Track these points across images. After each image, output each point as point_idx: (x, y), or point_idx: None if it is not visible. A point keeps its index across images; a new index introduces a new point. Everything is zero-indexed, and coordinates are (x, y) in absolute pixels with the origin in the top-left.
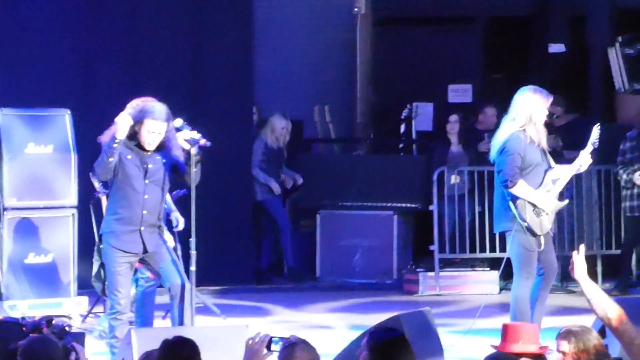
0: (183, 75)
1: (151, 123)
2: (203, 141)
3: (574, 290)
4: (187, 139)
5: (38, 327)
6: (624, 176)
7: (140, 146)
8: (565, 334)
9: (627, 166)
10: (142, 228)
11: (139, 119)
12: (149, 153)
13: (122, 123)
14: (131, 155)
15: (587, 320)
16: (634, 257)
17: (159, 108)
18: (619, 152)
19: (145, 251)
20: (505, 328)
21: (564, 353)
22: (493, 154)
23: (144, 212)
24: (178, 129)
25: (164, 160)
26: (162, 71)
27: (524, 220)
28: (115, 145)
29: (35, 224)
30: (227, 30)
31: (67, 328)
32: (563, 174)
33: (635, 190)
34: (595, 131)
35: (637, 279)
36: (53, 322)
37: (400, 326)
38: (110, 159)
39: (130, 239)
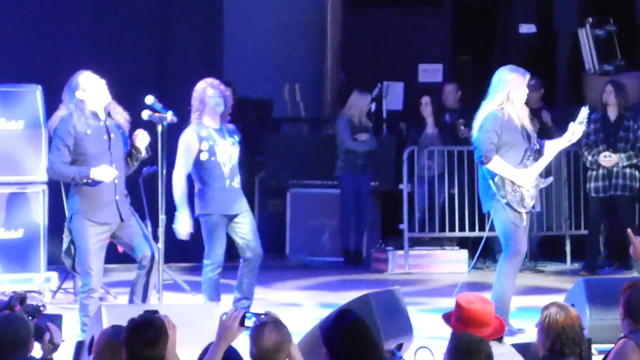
0: (151, 54)
1: (87, 77)
2: (170, 118)
3: (543, 270)
4: (149, 116)
5: (10, 305)
6: (589, 157)
7: (96, 115)
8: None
9: (591, 148)
10: (117, 197)
11: (75, 87)
12: (104, 122)
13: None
14: (90, 130)
15: (557, 300)
16: (601, 238)
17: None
18: (583, 134)
19: (121, 219)
20: (462, 310)
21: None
22: (474, 134)
23: (116, 181)
24: (149, 106)
25: (121, 131)
26: (129, 48)
27: (503, 197)
28: (84, 182)
29: (5, 200)
30: (196, 8)
31: (42, 308)
32: (551, 149)
33: (600, 172)
34: (583, 111)
35: (605, 260)
36: (26, 300)
37: (369, 305)
38: (72, 181)
39: (108, 211)
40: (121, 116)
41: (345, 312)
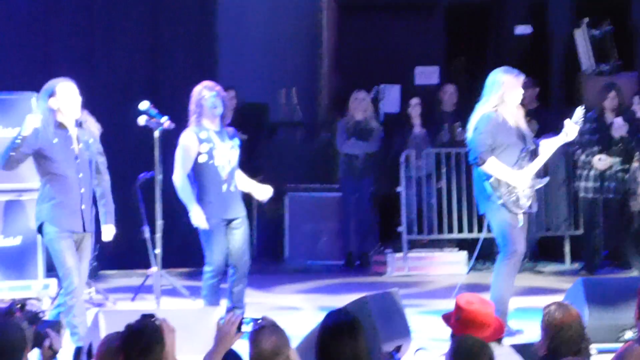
0: (145, 60)
1: (64, 86)
2: (167, 123)
3: (542, 271)
4: (146, 122)
5: (10, 311)
6: (582, 157)
7: (63, 126)
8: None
9: (585, 147)
10: (83, 207)
11: (50, 94)
12: (74, 133)
13: (30, 120)
14: (57, 139)
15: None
16: (600, 237)
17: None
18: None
19: (84, 229)
20: (462, 312)
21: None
22: (468, 135)
23: (82, 190)
24: (144, 112)
25: (91, 140)
26: (123, 56)
27: (499, 198)
28: (18, 141)
29: (3, 207)
30: (190, 14)
31: (41, 314)
32: (546, 149)
33: (592, 172)
34: (579, 111)
35: (604, 260)
36: (26, 307)
37: (366, 307)
38: (12, 154)
39: (72, 219)
40: (94, 126)
41: (348, 312)
